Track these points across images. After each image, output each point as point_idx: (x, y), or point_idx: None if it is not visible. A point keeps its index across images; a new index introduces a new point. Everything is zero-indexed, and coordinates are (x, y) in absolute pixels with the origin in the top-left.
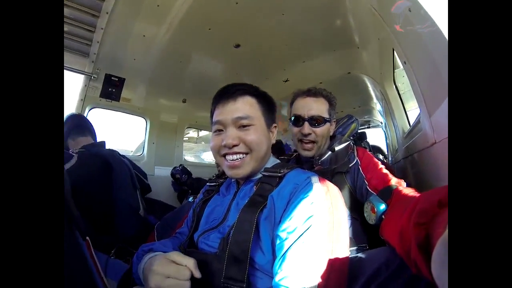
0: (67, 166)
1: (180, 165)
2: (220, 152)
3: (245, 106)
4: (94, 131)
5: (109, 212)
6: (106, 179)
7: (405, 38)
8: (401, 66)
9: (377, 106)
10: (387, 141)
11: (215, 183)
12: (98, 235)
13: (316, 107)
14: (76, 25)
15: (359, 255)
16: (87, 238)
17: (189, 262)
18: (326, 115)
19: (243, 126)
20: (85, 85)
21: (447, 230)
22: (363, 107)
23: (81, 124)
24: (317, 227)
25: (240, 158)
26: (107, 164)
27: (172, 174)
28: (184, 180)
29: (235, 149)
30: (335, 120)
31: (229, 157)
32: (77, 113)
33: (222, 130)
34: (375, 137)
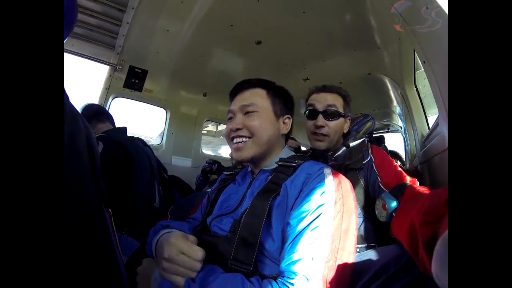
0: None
1: (206, 161)
2: (229, 136)
3: (252, 96)
4: (112, 117)
5: (125, 201)
6: (125, 168)
7: (424, 36)
8: (422, 68)
9: (397, 110)
10: (406, 147)
11: (231, 172)
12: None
13: (330, 100)
14: (103, 19)
15: (369, 251)
16: (109, 209)
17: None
18: (341, 110)
19: (247, 113)
20: (110, 75)
21: (447, 230)
22: (382, 110)
23: (99, 112)
24: (326, 216)
25: (243, 141)
26: (128, 154)
27: (203, 171)
28: (215, 169)
29: (239, 133)
30: (349, 118)
31: (235, 140)
32: (92, 103)
33: (233, 118)
34: (394, 143)
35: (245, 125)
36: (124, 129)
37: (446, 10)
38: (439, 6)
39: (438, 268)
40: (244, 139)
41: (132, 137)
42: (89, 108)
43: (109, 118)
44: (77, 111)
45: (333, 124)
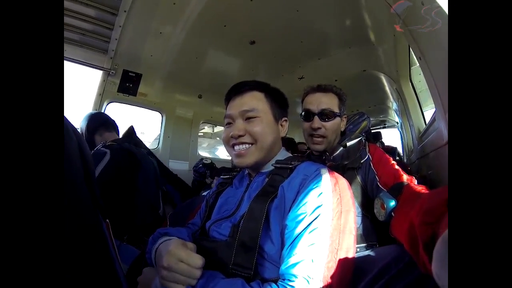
0: (103, 163)
1: (201, 160)
2: (229, 142)
3: (251, 100)
4: (117, 126)
5: (128, 207)
6: (133, 175)
7: (419, 33)
8: (418, 63)
9: (393, 106)
10: (403, 142)
11: (228, 176)
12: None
13: (326, 101)
14: (95, 23)
15: (369, 251)
16: (107, 220)
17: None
18: (336, 110)
19: (249, 118)
20: (104, 80)
21: (447, 230)
22: (378, 106)
23: (107, 121)
24: (325, 217)
25: (245, 148)
26: (136, 162)
27: (198, 172)
28: (209, 175)
29: (241, 139)
30: (345, 116)
31: (236, 147)
32: (99, 111)
33: (231, 123)
34: (391, 137)
35: (247, 131)
36: (130, 139)
37: (444, 7)
38: (435, 2)
39: (438, 268)
40: (246, 145)
41: (140, 148)
42: (97, 116)
43: (115, 127)
44: (68, 121)
45: (330, 124)
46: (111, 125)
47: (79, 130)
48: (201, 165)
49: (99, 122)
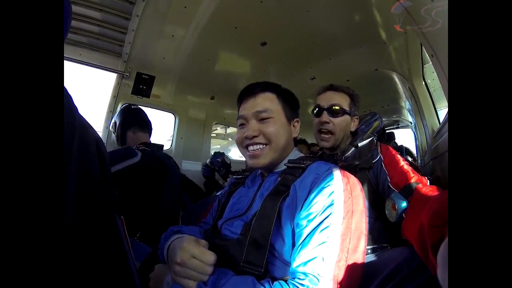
0: (130, 161)
1: (221, 154)
2: (243, 143)
3: (264, 101)
4: (152, 128)
5: (152, 213)
6: (158, 184)
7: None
8: (430, 61)
9: (406, 105)
10: (417, 142)
11: (241, 176)
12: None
13: (336, 98)
14: (109, 27)
15: (380, 253)
16: (122, 217)
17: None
18: (346, 107)
19: (262, 119)
20: (118, 83)
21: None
22: (391, 106)
23: (144, 120)
24: (336, 216)
25: (260, 148)
26: (164, 169)
27: (212, 164)
28: (222, 173)
29: (255, 140)
30: (357, 117)
31: (250, 148)
32: (138, 107)
33: (245, 124)
34: (405, 138)
35: (261, 131)
36: (161, 146)
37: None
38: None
39: (442, 272)
40: (260, 146)
41: (168, 155)
42: (135, 113)
43: (150, 129)
44: (87, 122)
45: (338, 121)
46: (146, 126)
47: (112, 122)
48: (218, 159)
49: (135, 118)
